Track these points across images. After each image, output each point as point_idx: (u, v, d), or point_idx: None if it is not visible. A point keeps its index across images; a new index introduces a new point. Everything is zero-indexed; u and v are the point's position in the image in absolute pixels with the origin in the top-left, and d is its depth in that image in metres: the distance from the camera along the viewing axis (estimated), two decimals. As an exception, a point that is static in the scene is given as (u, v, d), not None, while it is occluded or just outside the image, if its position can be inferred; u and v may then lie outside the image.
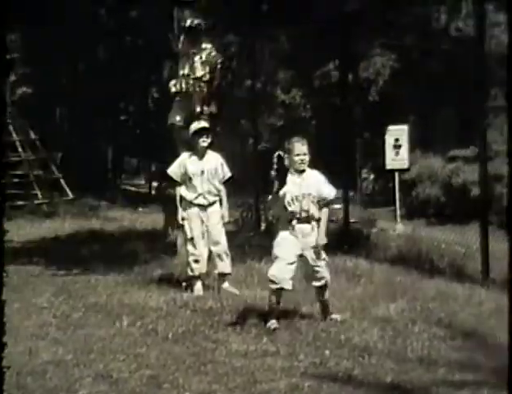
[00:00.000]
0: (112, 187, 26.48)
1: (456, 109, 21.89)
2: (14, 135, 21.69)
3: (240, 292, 7.77)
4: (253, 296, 7.36)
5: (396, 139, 15.01)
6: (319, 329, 6.14)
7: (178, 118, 9.59)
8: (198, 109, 9.48)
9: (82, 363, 5.36)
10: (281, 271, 6.22)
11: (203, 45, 9.46)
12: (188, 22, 9.63)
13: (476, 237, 9.15)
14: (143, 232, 14.01)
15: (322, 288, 6.48)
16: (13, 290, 7.87)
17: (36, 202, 20.71)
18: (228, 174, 8.20)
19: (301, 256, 6.32)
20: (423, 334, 6.00)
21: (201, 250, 8.02)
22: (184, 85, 9.42)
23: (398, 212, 15.10)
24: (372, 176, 22.52)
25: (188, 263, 8.07)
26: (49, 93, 25.10)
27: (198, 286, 7.99)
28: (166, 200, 10.32)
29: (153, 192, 27.33)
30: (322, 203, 6.36)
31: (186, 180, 8.07)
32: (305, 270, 6.44)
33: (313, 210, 6.30)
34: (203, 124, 8.26)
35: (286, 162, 6.15)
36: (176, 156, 8.45)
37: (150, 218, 16.40)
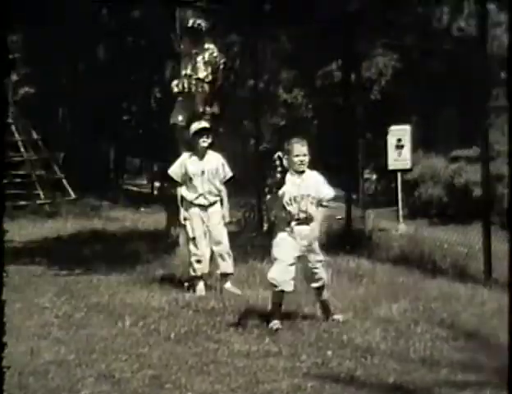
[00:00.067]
0: (114, 187, 26.50)
1: (458, 109, 21.88)
2: (16, 135, 21.70)
3: (242, 292, 7.77)
4: (255, 296, 7.36)
5: (399, 140, 15.00)
6: (321, 330, 6.14)
7: (180, 118, 9.59)
8: (200, 109, 9.48)
9: (84, 363, 5.36)
10: (281, 273, 6.21)
11: (206, 45, 9.46)
12: (190, 22, 9.63)
13: (478, 237, 9.14)
14: (145, 232, 14.02)
15: (320, 289, 6.48)
16: (15, 290, 7.88)
17: (38, 202, 20.72)
18: (229, 174, 8.19)
19: (300, 257, 6.31)
20: (426, 334, 5.99)
21: (203, 250, 8.02)
22: (186, 86, 9.42)
23: (400, 212, 15.09)
24: (374, 177, 22.52)
25: (190, 264, 8.07)
26: (51, 94, 25.11)
27: (201, 286, 7.99)
28: (169, 200, 10.32)
29: (155, 192, 27.34)
30: (320, 203, 6.35)
31: (187, 180, 8.07)
32: (304, 271, 6.44)
33: (312, 211, 6.29)
34: (204, 124, 8.26)
35: (285, 163, 6.14)
36: (178, 156, 8.46)
37: (152, 218, 16.41)
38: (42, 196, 21.16)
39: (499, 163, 11.79)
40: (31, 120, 22.71)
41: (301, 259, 6.33)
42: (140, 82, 26.81)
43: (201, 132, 8.08)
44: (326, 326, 6.25)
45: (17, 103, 23.07)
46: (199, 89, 9.44)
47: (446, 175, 17.96)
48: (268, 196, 6.35)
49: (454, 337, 5.92)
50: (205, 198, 8.05)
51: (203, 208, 8.06)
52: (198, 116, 9.16)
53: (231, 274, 8.13)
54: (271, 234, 6.57)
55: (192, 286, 8.01)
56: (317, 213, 6.32)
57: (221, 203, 8.18)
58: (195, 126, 8.18)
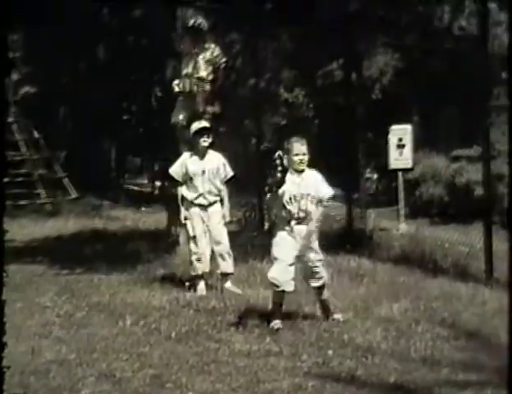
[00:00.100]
0: (115, 186, 26.49)
1: (459, 108, 21.86)
2: (17, 134, 21.71)
3: (242, 292, 7.78)
4: (256, 296, 7.36)
5: (400, 139, 14.99)
6: (322, 329, 6.14)
7: (181, 117, 9.60)
8: (201, 109, 9.48)
9: (85, 362, 5.37)
10: (282, 273, 6.21)
11: (207, 44, 9.46)
12: (190, 22, 9.63)
13: (479, 237, 9.13)
14: (146, 232, 14.02)
15: (321, 288, 6.47)
16: (16, 289, 7.89)
17: (39, 201, 20.74)
18: (230, 173, 8.19)
19: (300, 257, 6.31)
20: (427, 334, 5.99)
21: (203, 249, 8.03)
22: (187, 85, 9.42)
23: (401, 211, 15.07)
24: (375, 176, 22.49)
25: (191, 262, 8.08)
26: (52, 93, 25.10)
27: (202, 285, 7.99)
28: (169, 200, 10.32)
29: (156, 191, 27.34)
30: (319, 202, 6.35)
31: (187, 180, 8.07)
32: (304, 271, 6.43)
33: (312, 210, 6.28)
34: (204, 124, 8.26)
35: (286, 162, 6.14)
36: (179, 155, 8.46)
37: (153, 218, 16.41)
38: (43, 195, 21.18)
39: (500, 163, 11.77)
40: (32, 119, 22.72)
41: (301, 259, 6.33)
42: (141, 81, 26.80)
43: (201, 132, 8.09)
44: (326, 325, 6.25)
45: (18, 103, 23.08)
46: (200, 89, 9.44)
47: (447, 174, 17.93)
48: (268, 195, 6.35)
49: (455, 337, 5.92)
50: (205, 198, 8.06)
51: (203, 207, 8.06)
52: (199, 116, 9.16)
53: (232, 274, 8.14)
54: (271, 233, 6.57)
55: (193, 286, 8.01)
56: (316, 212, 6.31)
57: (222, 203, 8.19)
58: (195, 126, 8.18)
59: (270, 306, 6.44)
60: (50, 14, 19.44)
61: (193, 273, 8.05)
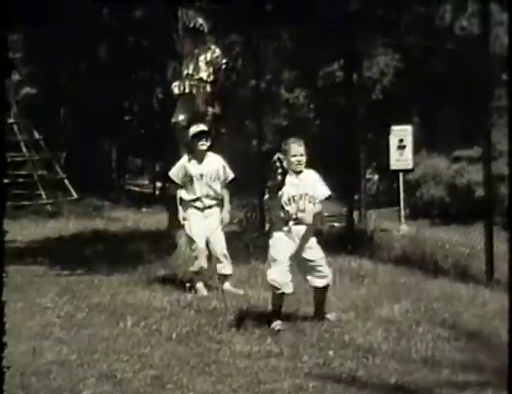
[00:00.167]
0: (116, 187, 26.54)
1: (460, 109, 21.86)
2: (18, 135, 21.72)
3: (243, 292, 7.78)
4: (257, 297, 7.36)
5: (400, 140, 15.01)
6: (323, 330, 6.14)
7: (181, 118, 9.59)
8: (202, 110, 9.48)
9: (86, 363, 5.36)
10: (281, 275, 6.19)
11: (208, 45, 9.46)
12: (191, 22, 9.63)
13: (480, 238, 9.13)
14: (146, 233, 14.03)
15: (324, 288, 6.44)
16: (17, 289, 7.89)
17: (40, 202, 20.75)
18: (231, 176, 8.18)
19: (298, 257, 6.29)
20: (427, 335, 5.99)
21: (201, 247, 8.01)
22: (187, 87, 9.41)
23: (402, 212, 15.09)
24: (376, 177, 22.51)
25: (188, 259, 8.08)
26: (53, 94, 25.13)
27: (201, 285, 7.98)
28: (170, 200, 10.32)
29: (157, 192, 27.36)
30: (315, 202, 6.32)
31: (187, 182, 8.07)
32: (306, 271, 6.40)
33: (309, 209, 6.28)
34: (202, 127, 8.24)
35: (285, 164, 6.13)
36: (179, 156, 8.46)
37: (154, 219, 16.42)
38: (44, 196, 21.19)
39: (501, 163, 11.77)
40: (33, 120, 22.73)
41: (301, 259, 6.31)
42: (142, 82, 26.83)
43: (200, 135, 8.07)
44: (327, 326, 6.25)
45: (19, 103, 23.09)
46: (201, 90, 9.44)
47: (448, 175, 17.94)
48: (267, 196, 6.34)
49: (455, 338, 5.91)
50: (202, 201, 8.06)
51: (201, 210, 8.07)
52: (200, 117, 9.16)
53: (230, 275, 8.14)
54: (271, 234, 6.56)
55: (193, 287, 8.01)
56: (312, 209, 6.27)
57: (221, 206, 8.19)
58: (193, 129, 8.16)
59: (270, 307, 6.44)
60: (50, 14, 19.46)
61: (190, 269, 8.05)
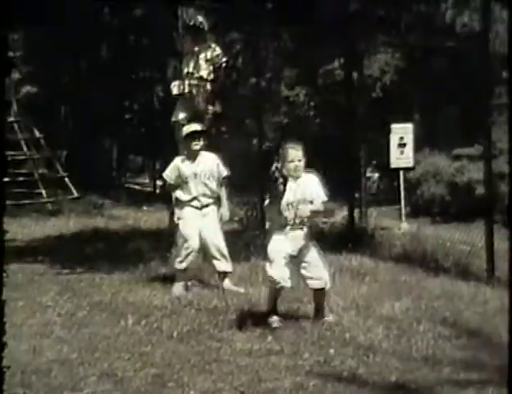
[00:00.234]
0: (117, 186, 26.52)
1: (460, 107, 21.84)
2: (18, 133, 21.71)
3: (244, 290, 7.78)
4: (258, 295, 7.36)
5: (401, 138, 15.00)
6: (323, 328, 6.14)
7: (181, 116, 9.58)
8: (202, 108, 9.47)
9: (87, 361, 5.37)
10: (280, 270, 6.18)
11: (208, 43, 9.46)
12: (191, 21, 9.63)
13: (481, 236, 9.13)
14: (147, 231, 14.03)
15: (321, 290, 6.42)
16: (17, 288, 7.90)
17: (41, 200, 20.74)
18: (224, 173, 8.17)
19: (295, 257, 6.28)
20: (428, 333, 5.99)
21: (194, 247, 8.00)
22: (187, 87, 9.39)
23: (403, 210, 15.08)
24: (376, 175, 22.49)
25: (177, 256, 8.07)
26: (54, 92, 25.12)
27: (179, 285, 7.94)
28: (171, 199, 10.32)
29: (158, 190, 27.36)
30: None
31: (182, 183, 8.07)
32: (303, 271, 6.39)
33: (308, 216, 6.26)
34: (195, 127, 8.24)
35: (285, 172, 6.11)
36: (179, 155, 8.46)
37: (155, 217, 16.42)
38: (44, 195, 21.17)
39: (501, 161, 11.76)
40: (33, 118, 22.71)
41: (299, 261, 6.29)
42: (143, 81, 26.83)
43: (193, 135, 8.07)
44: (328, 324, 6.25)
45: (19, 102, 23.08)
46: (201, 88, 9.43)
47: (449, 173, 17.92)
48: (267, 201, 6.30)
49: (456, 336, 5.91)
50: (199, 200, 8.05)
51: (198, 209, 8.06)
52: (200, 115, 9.15)
53: (229, 273, 8.14)
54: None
55: (187, 285, 8.00)
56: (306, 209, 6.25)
57: (219, 204, 8.18)
58: (187, 129, 8.17)
59: (266, 305, 6.40)
60: (50, 13, 19.44)
61: (177, 267, 8.02)
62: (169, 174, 8.17)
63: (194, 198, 8.03)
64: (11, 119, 21.25)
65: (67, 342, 5.93)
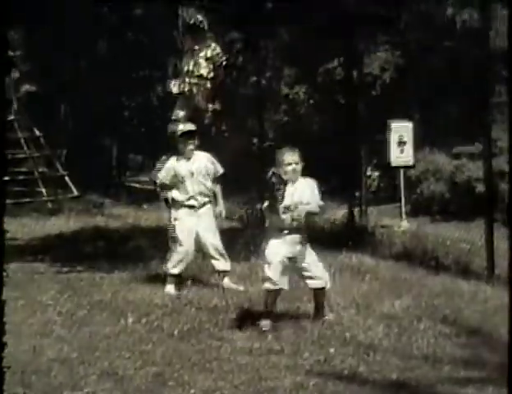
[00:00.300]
0: (117, 184, 26.49)
1: (460, 105, 21.82)
2: (18, 132, 21.70)
3: (244, 289, 7.78)
4: (258, 293, 7.35)
5: (401, 136, 14.98)
6: (324, 327, 6.14)
7: (181, 114, 9.59)
8: (202, 106, 9.48)
9: (87, 360, 5.37)
10: (278, 272, 6.17)
11: (208, 42, 9.46)
12: (191, 19, 9.63)
13: (481, 234, 9.14)
14: (147, 229, 14.02)
15: (321, 289, 6.41)
16: (18, 287, 7.88)
17: (41, 199, 20.72)
18: (220, 170, 8.18)
19: (293, 260, 6.27)
20: (428, 331, 5.99)
21: (187, 251, 8.00)
22: (187, 85, 9.39)
23: (403, 209, 15.06)
24: (376, 174, 22.47)
25: (169, 261, 8.05)
26: (53, 91, 25.11)
27: (171, 287, 7.94)
28: (166, 201, 10.32)
29: (157, 189, 27.30)
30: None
31: (177, 183, 8.06)
32: (301, 273, 6.38)
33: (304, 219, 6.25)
34: (189, 127, 8.24)
35: (283, 174, 6.10)
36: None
37: (155, 215, 16.39)
38: (44, 193, 21.15)
39: (501, 160, 11.77)
40: (33, 117, 22.70)
41: (297, 263, 6.29)
42: (142, 79, 26.81)
43: (187, 134, 8.07)
44: (328, 323, 6.25)
45: (19, 100, 23.07)
46: (201, 87, 9.43)
47: (449, 171, 17.91)
48: (266, 204, 6.27)
49: (456, 334, 5.92)
50: (196, 199, 8.05)
51: (194, 209, 8.06)
52: (200, 113, 9.16)
53: (228, 271, 8.15)
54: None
55: (182, 284, 8.00)
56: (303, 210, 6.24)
57: (214, 203, 8.19)
58: (180, 129, 8.17)
59: (263, 306, 6.39)
60: (50, 12, 19.42)
61: (169, 272, 8.02)
62: (165, 175, 8.17)
63: (191, 197, 8.04)
64: (11, 118, 21.23)
65: (67, 341, 5.93)
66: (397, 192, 15.41)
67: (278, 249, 6.20)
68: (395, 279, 8.35)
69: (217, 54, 9.47)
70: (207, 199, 8.11)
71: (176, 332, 6.13)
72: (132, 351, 5.60)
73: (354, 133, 12.93)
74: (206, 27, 9.57)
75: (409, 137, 15.06)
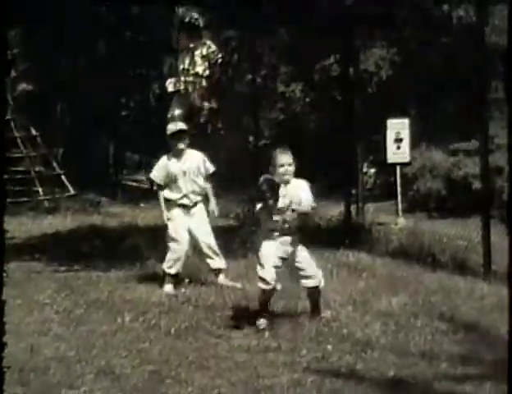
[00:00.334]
0: (114, 183, 26.47)
1: (457, 102, 21.84)
2: (15, 131, 21.67)
3: (241, 286, 7.79)
4: (255, 291, 7.35)
5: (397, 133, 14.99)
6: (321, 324, 6.14)
7: (177, 112, 9.58)
8: (198, 104, 9.48)
9: (84, 359, 5.36)
10: (271, 272, 6.17)
11: (203, 40, 9.46)
12: (186, 17, 9.63)
13: (477, 231, 9.14)
14: (144, 228, 14.01)
15: (315, 288, 6.41)
16: (15, 286, 7.87)
17: (37, 198, 20.71)
18: (211, 169, 8.19)
19: (286, 260, 6.27)
20: (426, 328, 6.00)
21: (183, 250, 8.00)
22: (182, 83, 9.38)
23: (399, 206, 15.08)
24: (373, 171, 22.48)
25: (166, 261, 8.05)
26: (50, 90, 25.08)
27: (170, 286, 7.94)
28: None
29: (155, 188, 27.30)
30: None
31: (170, 182, 8.06)
32: (295, 272, 6.38)
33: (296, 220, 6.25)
34: (180, 126, 8.24)
35: (277, 178, 6.10)
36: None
37: (151, 214, 16.35)
38: (41, 192, 21.13)
39: (498, 156, 11.78)
40: (29, 116, 22.67)
41: (290, 263, 6.29)
42: (139, 77, 26.79)
43: (178, 133, 8.07)
44: (325, 320, 6.25)
45: (16, 99, 23.03)
46: (197, 85, 9.43)
47: (445, 168, 17.93)
48: (259, 206, 6.26)
49: (453, 331, 5.92)
50: (189, 198, 8.06)
51: (187, 208, 8.06)
52: (196, 111, 9.16)
53: (224, 269, 8.15)
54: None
55: (182, 282, 8.00)
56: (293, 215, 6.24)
57: (207, 202, 8.19)
58: (171, 128, 8.16)
59: (258, 306, 6.38)
60: (48, 11, 19.39)
61: (167, 271, 8.01)
62: (157, 174, 8.18)
63: (184, 195, 8.04)
64: (8, 117, 21.20)
65: (65, 340, 5.93)
66: (394, 189, 15.42)
67: (271, 250, 6.20)
68: (392, 276, 8.36)
69: (213, 52, 9.46)
70: (199, 198, 8.13)
71: (173, 330, 6.12)
72: (129, 350, 5.60)
73: (351, 130, 12.93)
74: (201, 25, 9.57)
75: (405, 134, 15.07)
